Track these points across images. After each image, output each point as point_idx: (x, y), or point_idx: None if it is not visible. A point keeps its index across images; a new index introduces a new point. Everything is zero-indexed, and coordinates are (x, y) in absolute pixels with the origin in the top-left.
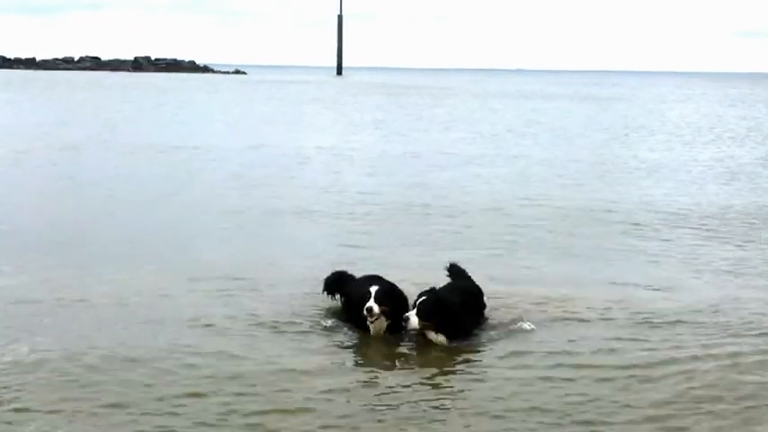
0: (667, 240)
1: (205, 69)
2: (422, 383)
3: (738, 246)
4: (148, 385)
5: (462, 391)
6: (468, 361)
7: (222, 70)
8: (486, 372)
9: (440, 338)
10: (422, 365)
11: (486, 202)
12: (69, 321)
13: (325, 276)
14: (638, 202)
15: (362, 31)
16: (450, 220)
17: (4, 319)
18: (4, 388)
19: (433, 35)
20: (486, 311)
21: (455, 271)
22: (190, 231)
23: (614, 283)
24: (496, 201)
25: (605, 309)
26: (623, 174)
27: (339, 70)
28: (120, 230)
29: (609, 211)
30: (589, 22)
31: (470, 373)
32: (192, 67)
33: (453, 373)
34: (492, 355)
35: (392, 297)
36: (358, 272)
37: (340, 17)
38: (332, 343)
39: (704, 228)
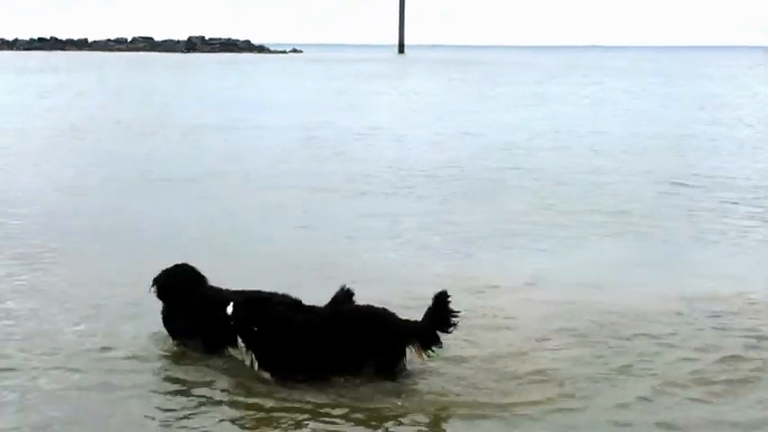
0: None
1: (260, 49)
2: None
3: None
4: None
5: None
6: None
7: (278, 50)
8: None
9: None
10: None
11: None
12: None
13: None
14: None
15: (425, 8)
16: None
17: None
18: None
19: (501, 11)
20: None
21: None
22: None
23: None
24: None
25: None
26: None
27: (401, 48)
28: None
29: None
30: None
31: None
32: (247, 47)
33: None
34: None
35: None
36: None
37: None
38: None
39: None
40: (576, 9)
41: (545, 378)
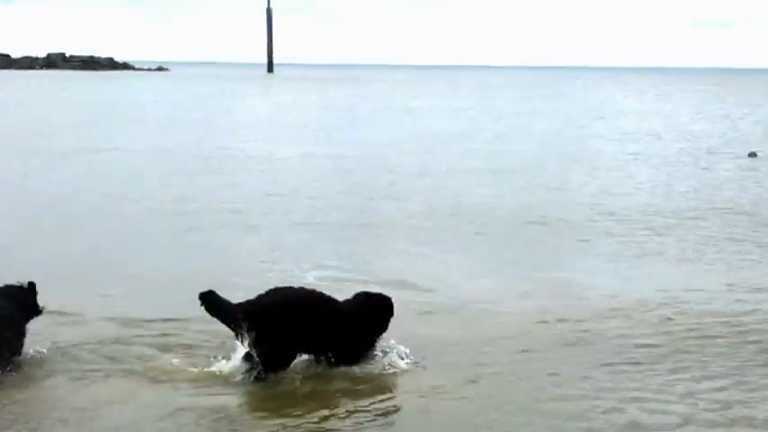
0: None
1: (125, 66)
2: None
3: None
4: None
5: None
6: None
7: (144, 67)
8: None
9: None
10: None
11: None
12: None
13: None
14: None
15: (298, 26)
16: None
17: None
18: None
19: (382, 29)
20: None
21: None
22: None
23: None
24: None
25: None
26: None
27: (270, 67)
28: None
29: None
30: (544, 17)
31: None
32: (110, 65)
33: None
34: None
35: None
36: None
37: (269, 11)
38: None
39: None
40: (446, 28)
41: None
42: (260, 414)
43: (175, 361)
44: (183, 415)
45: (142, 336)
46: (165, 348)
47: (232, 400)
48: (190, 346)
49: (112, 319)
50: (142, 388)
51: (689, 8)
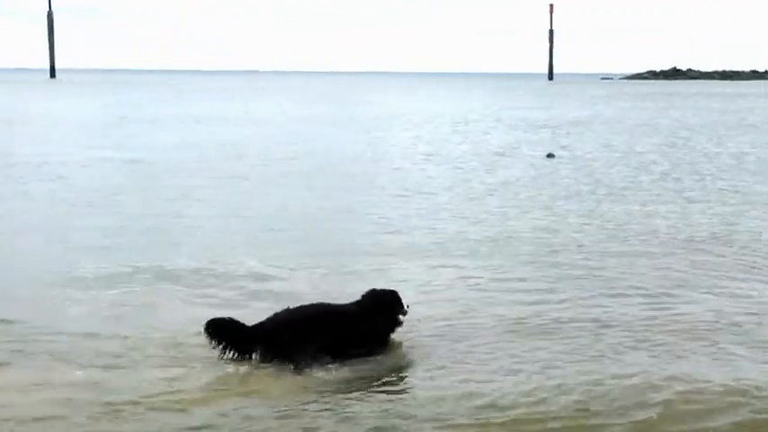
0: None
1: None
2: None
3: None
4: None
5: None
6: None
7: None
8: None
9: None
10: None
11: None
12: None
13: None
14: None
15: (89, 29)
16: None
17: None
18: None
19: (180, 33)
20: None
21: None
22: None
23: None
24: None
25: None
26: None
27: (52, 73)
28: None
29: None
30: (337, 24)
31: None
32: None
33: None
34: None
35: None
36: None
37: (50, 14)
38: None
39: None
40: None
41: None
42: None
43: None
44: None
45: None
46: None
47: None
48: None
49: None
50: None
51: (474, 17)
